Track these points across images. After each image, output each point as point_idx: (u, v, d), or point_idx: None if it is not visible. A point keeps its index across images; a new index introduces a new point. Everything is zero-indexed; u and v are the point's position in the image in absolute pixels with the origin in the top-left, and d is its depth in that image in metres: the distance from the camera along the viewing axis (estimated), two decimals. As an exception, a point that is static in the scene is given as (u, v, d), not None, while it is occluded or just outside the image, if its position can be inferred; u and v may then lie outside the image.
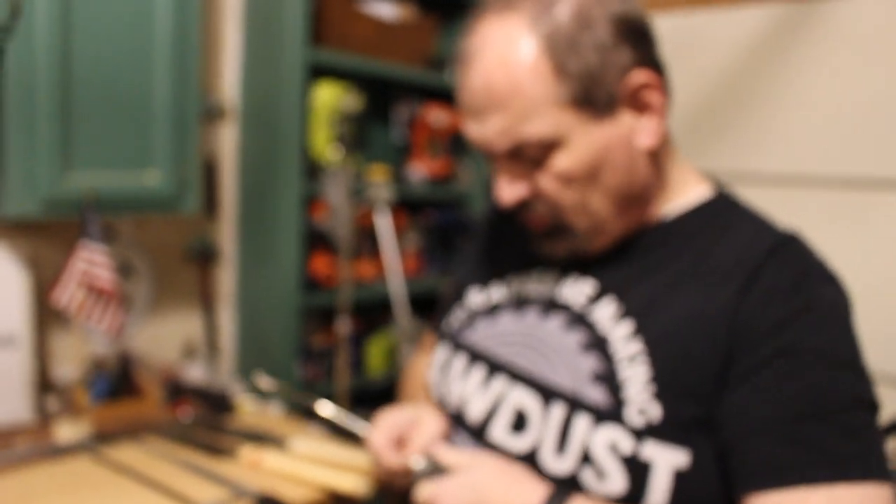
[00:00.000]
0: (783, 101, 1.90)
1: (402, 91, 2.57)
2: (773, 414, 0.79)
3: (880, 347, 1.18)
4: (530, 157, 0.87)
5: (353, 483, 1.44)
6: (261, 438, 1.65)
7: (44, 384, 1.86)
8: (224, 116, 2.22)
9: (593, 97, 0.84)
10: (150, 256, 2.09)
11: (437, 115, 2.55)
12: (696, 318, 0.84)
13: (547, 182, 0.88)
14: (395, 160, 2.58)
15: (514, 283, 1.02)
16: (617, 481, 0.82)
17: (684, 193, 0.96)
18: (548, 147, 0.86)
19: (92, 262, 1.61)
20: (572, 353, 0.89)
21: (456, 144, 2.70)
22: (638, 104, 0.88)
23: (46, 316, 1.86)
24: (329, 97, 2.18)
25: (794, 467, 0.76)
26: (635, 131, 0.89)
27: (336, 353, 2.22)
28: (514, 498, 0.86)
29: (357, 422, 1.12)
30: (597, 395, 0.85)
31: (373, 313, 2.47)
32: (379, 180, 2.23)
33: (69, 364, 1.90)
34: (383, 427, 1.05)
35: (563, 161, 0.86)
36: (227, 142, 2.24)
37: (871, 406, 0.80)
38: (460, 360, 1.01)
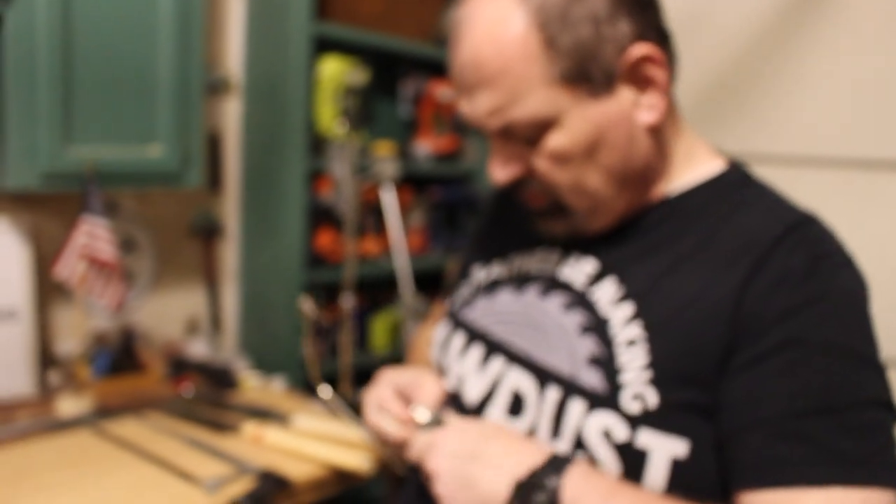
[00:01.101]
0: (795, 80, 1.87)
1: (409, 66, 2.54)
2: (774, 407, 0.74)
3: (893, 333, 1.15)
4: (523, 136, 0.84)
5: (356, 460, 1.43)
6: (263, 414, 1.64)
7: (45, 358, 1.85)
8: (228, 90, 2.20)
9: (588, 73, 0.80)
10: (153, 231, 2.08)
11: (443, 91, 2.52)
12: (699, 302, 0.79)
13: (541, 162, 0.85)
14: (401, 136, 2.55)
15: (516, 261, 0.99)
16: (610, 469, 0.79)
17: (692, 168, 0.91)
18: (541, 126, 0.82)
19: (93, 236, 1.60)
20: (571, 334, 0.86)
21: (462, 121, 2.66)
22: (638, 79, 0.83)
23: (48, 290, 1.85)
24: (335, 71, 2.15)
25: (792, 465, 0.72)
26: (636, 108, 0.84)
27: (340, 329, 2.20)
28: (513, 454, 0.82)
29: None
30: (592, 379, 0.81)
31: (377, 290, 2.45)
32: (384, 156, 2.20)
33: (71, 338, 1.89)
34: (386, 382, 1.03)
35: (556, 141, 0.82)
36: (232, 116, 2.22)
37: (886, 406, 0.75)
38: (459, 339, 0.98)
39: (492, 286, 0.99)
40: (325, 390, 1.18)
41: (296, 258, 2.09)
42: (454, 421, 0.90)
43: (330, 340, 2.26)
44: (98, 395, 1.69)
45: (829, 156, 1.80)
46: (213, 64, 2.14)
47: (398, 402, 1.00)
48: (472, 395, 0.93)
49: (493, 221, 1.11)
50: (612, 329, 0.83)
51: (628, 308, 0.83)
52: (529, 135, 0.83)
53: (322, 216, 2.19)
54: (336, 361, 2.22)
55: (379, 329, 2.43)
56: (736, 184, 0.89)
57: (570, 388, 0.82)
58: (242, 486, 1.34)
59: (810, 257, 0.78)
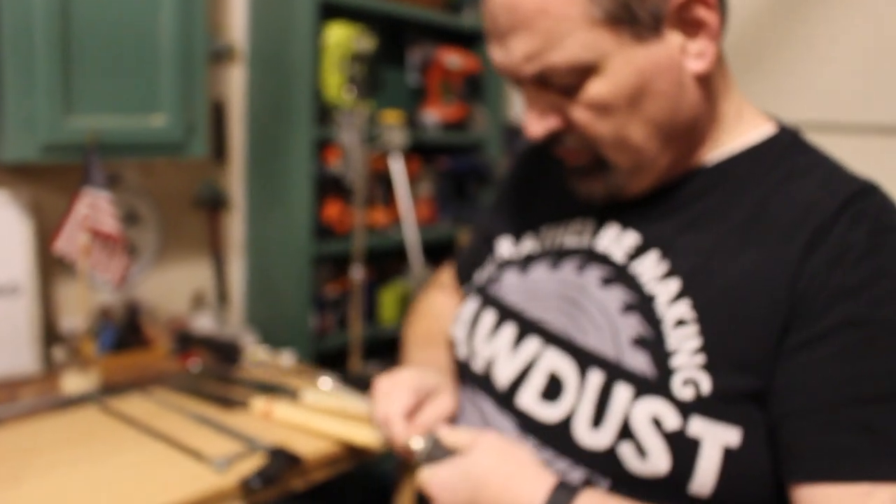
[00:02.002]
0: (808, 46, 1.81)
1: (417, 33, 2.48)
2: (833, 393, 0.68)
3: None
4: (562, 84, 0.76)
5: (366, 435, 1.40)
6: (272, 389, 1.60)
7: (50, 334, 1.82)
8: (233, 58, 2.15)
9: (634, 14, 0.72)
10: (157, 203, 2.04)
11: (452, 59, 2.46)
12: (752, 280, 0.73)
13: (580, 113, 0.77)
14: (409, 104, 2.50)
15: (548, 235, 0.92)
16: (660, 460, 0.73)
17: (741, 132, 0.83)
18: (581, 73, 0.74)
19: (95, 208, 1.56)
20: (612, 313, 0.79)
21: (471, 89, 2.61)
22: (687, 22, 0.75)
23: (51, 264, 1.81)
24: (341, 38, 2.10)
25: (855, 458, 0.67)
26: (684, 54, 0.76)
27: (349, 302, 2.17)
28: (513, 491, 0.77)
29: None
30: (639, 361, 0.75)
31: (386, 261, 2.41)
32: (392, 125, 2.16)
33: (75, 314, 1.86)
34: (400, 395, 0.91)
35: (598, 88, 0.75)
36: (236, 84, 2.17)
37: None
38: (489, 317, 0.91)
39: (525, 261, 0.92)
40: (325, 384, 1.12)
41: (303, 230, 2.05)
42: (454, 442, 0.84)
43: (339, 313, 2.23)
44: (103, 372, 1.66)
45: (844, 122, 1.75)
46: (217, 31, 2.08)
47: (404, 424, 0.89)
48: (502, 377, 0.86)
49: (518, 189, 1.03)
50: (658, 307, 0.77)
51: (674, 285, 0.77)
52: (568, 82, 0.76)
53: (329, 186, 2.15)
54: (345, 334, 2.19)
55: (388, 301, 2.39)
56: (788, 149, 0.82)
57: (615, 372, 0.76)
58: (253, 463, 1.31)
59: (872, 231, 0.71)
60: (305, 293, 2.09)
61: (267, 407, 1.49)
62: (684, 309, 0.75)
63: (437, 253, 2.45)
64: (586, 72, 0.74)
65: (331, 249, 2.13)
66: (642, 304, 0.78)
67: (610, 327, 0.79)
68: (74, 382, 1.61)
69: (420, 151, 2.43)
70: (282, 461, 1.31)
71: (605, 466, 0.76)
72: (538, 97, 0.80)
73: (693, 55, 0.76)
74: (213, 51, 2.03)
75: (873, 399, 0.67)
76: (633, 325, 0.77)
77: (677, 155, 0.81)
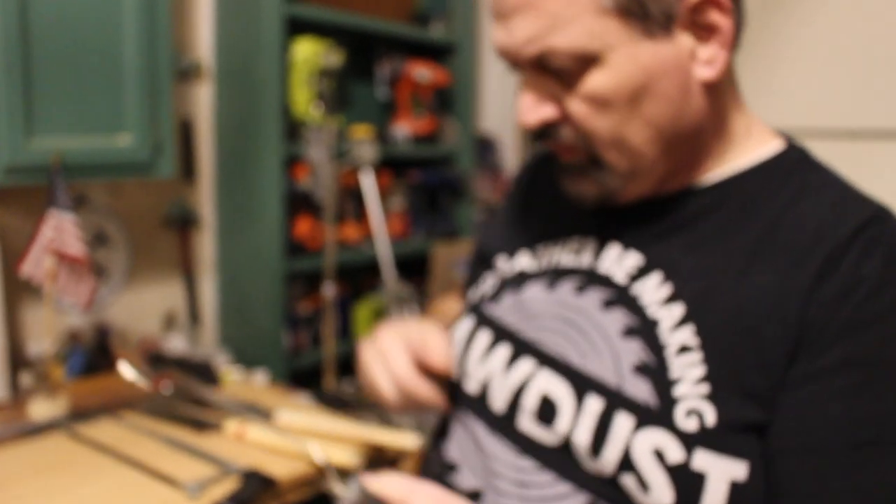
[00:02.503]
0: (785, 52, 1.82)
1: (385, 47, 2.47)
2: (830, 433, 0.66)
3: None
4: (561, 70, 0.72)
5: (343, 455, 1.38)
6: (245, 410, 1.58)
7: (16, 360, 1.79)
8: (199, 75, 2.13)
9: (645, 9, 0.69)
10: (126, 224, 2.01)
11: (421, 72, 2.45)
12: (759, 306, 0.70)
13: (578, 105, 0.73)
14: (379, 119, 2.49)
15: (546, 252, 0.88)
16: (663, 494, 0.70)
17: (749, 148, 0.80)
18: (583, 61, 0.71)
19: (61, 231, 1.53)
20: (612, 337, 0.76)
21: (441, 102, 2.61)
22: (700, 26, 0.72)
23: (16, 288, 1.77)
24: (309, 53, 2.09)
25: (842, 502, 0.65)
26: (694, 58, 0.73)
27: (322, 319, 2.15)
28: None
29: None
30: (640, 390, 0.72)
31: (359, 277, 2.40)
32: (362, 139, 2.14)
33: (42, 338, 1.83)
34: (393, 335, 0.88)
35: (598, 80, 0.71)
36: (203, 102, 2.15)
37: None
38: (483, 337, 0.87)
39: (518, 279, 0.88)
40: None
41: (275, 247, 2.03)
42: (384, 493, 0.75)
43: (312, 330, 2.21)
44: (72, 397, 1.63)
45: (817, 127, 1.76)
46: (183, 48, 2.06)
47: (404, 358, 0.86)
48: (498, 400, 0.83)
49: (515, 205, 0.99)
50: (661, 333, 0.73)
51: (678, 310, 0.74)
52: (568, 69, 0.72)
53: (300, 203, 2.13)
54: (319, 351, 2.17)
55: (362, 317, 2.37)
56: (797, 166, 0.78)
57: (616, 400, 0.73)
58: (226, 487, 1.29)
59: (885, 262, 0.68)
60: (278, 311, 2.06)
61: (240, 429, 1.47)
62: (688, 335, 0.72)
63: (410, 267, 2.44)
64: (588, 61, 0.71)
65: (303, 266, 2.11)
66: (644, 329, 0.75)
67: (611, 352, 0.76)
68: (42, 409, 1.58)
69: (391, 165, 2.41)
70: (255, 484, 1.29)
71: (609, 493, 0.73)
72: (536, 84, 0.76)
73: (703, 61, 0.73)
74: (179, 68, 2.01)
75: (872, 443, 0.65)
76: (634, 351, 0.74)
77: (677, 164, 0.78)
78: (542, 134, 0.78)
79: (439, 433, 0.92)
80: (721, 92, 0.77)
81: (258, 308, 2.10)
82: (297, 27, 2.09)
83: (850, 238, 0.69)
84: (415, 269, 2.45)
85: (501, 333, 0.85)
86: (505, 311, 0.87)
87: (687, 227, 0.78)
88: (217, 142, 2.16)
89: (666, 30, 0.71)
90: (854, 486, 0.65)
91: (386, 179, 2.36)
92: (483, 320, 0.89)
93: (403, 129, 2.44)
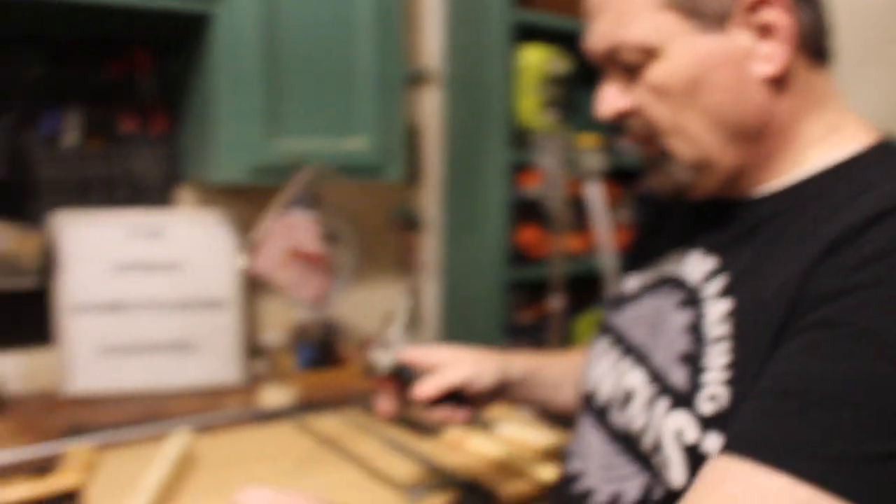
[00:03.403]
0: None
1: (615, 53, 2.40)
2: (785, 383, 0.64)
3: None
4: (629, 64, 0.80)
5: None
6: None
7: (252, 348, 1.88)
8: (428, 82, 2.16)
9: (701, 5, 0.75)
10: (354, 224, 2.07)
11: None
12: (781, 290, 0.70)
13: (643, 95, 0.81)
14: (606, 128, 2.42)
15: (660, 264, 0.94)
16: (677, 472, 0.75)
17: (832, 146, 0.79)
18: (645, 54, 0.78)
19: (298, 229, 1.59)
20: (677, 332, 0.82)
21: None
22: (756, 25, 0.76)
23: (254, 281, 1.87)
24: (536, 60, 2.06)
25: (786, 447, 0.61)
26: (750, 55, 0.76)
27: (544, 329, 2.11)
28: None
29: None
30: (679, 377, 0.78)
31: (580, 288, 2.34)
32: (589, 148, 2.09)
33: (275, 330, 1.91)
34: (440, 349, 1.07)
35: (658, 71, 0.78)
36: (431, 108, 2.18)
37: None
38: (603, 343, 0.97)
39: (639, 291, 0.96)
40: None
41: (498, 254, 2.02)
42: None
43: (532, 340, 2.17)
44: (300, 388, 1.69)
45: None
46: (413, 56, 2.10)
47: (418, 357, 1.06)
48: (602, 396, 0.93)
49: (647, 226, 1.07)
50: (706, 326, 0.78)
51: (726, 304, 0.77)
52: (634, 61, 0.79)
53: (524, 210, 2.10)
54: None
55: (582, 329, 2.31)
56: (871, 162, 0.76)
57: (661, 387, 0.80)
58: (445, 497, 1.27)
59: (889, 241, 0.64)
60: (499, 319, 2.05)
61: (459, 436, 1.46)
62: (727, 328, 0.75)
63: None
64: (650, 53, 0.78)
65: (525, 275, 2.09)
66: (697, 322, 0.79)
67: (670, 345, 0.82)
68: (273, 396, 1.65)
69: (618, 176, 2.34)
70: (476, 499, 1.26)
71: (656, 476, 0.79)
72: (612, 78, 0.84)
73: (761, 57, 0.76)
74: (408, 75, 2.05)
75: (819, 399, 0.61)
76: (685, 343, 0.79)
77: (746, 160, 0.80)
78: (618, 127, 0.85)
79: None
80: (791, 90, 0.78)
81: (479, 314, 2.09)
82: (525, 34, 2.07)
83: (871, 221, 0.66)
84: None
85: (615, 339, 0.95)
86: (623, 319, 0.95)
87: (757, 230, 0.80)
88: (443, 147, 2.18)
89: (720, 25, 0.76)
90: (793, 433, 0.61)
91: (613, 190, 2.28)
92: (606, 329, 0.99)
93: (631, 138, 2.35)
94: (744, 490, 0.61)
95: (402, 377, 1.06)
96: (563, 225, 1.92)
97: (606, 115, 0.85)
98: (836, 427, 0.60)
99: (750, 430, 0.64)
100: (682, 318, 0.82)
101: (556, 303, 1.84)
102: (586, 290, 2.34)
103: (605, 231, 2.06)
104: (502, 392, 1.11)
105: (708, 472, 0.66)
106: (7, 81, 1.70)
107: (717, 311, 0.77)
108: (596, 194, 2.07)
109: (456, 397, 1.06)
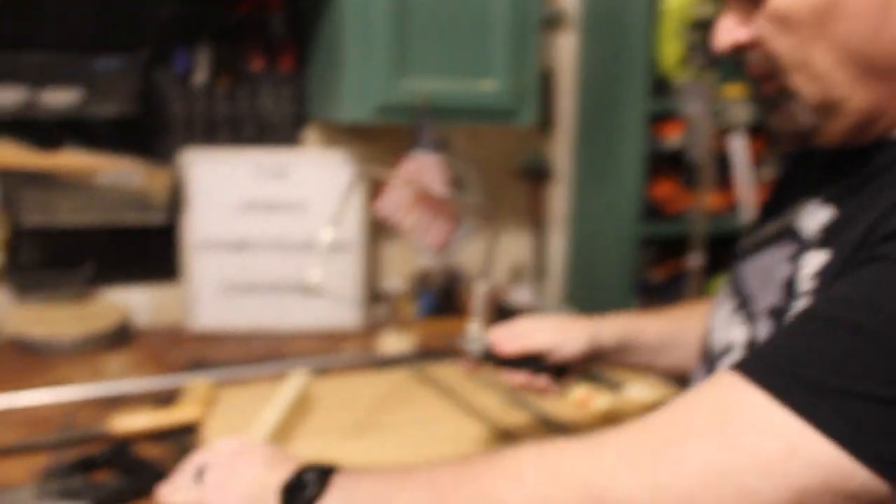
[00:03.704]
0: None
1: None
2: (811, 307, 0.63)
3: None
4: None
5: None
6: (592, 377, 1.49)
7: (373, 293, 1.86)
8: (564, 25, 2.06)
9: None
10: (481, 170, 2.01)
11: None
12: (855, 242, 0.66)
13: (764, 26, 0.71)
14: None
15: (786, 215, 0.86)
16: None
17: None
18: None
19: (423, 171, 1.54)
20: (775, 286, 0.77)
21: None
22: None
23: (377, 225, 1.84)
24: (681, 3, 1.92)
25: (766, 366, 0.60)
26: None
27: (678, 288, 2.00)
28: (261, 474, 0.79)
29: None
30: (764, 331, 0.75)
31: (716, 248, 2.21)
32: (735, 99, 1.95)
33: (397, 275, 1.89)
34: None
35: None
36: (566, 52, 2.09)
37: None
38: (725, 291, 0.91)
39: (763, 242, 0.88)
40: None
41: (631, 208, 1.92)
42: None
43: (663, 300, 2.07)
44: (420, 335, 1.66)
45: None
46: (550, -4, 2.00)
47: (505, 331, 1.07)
48: (715, 345, 0.88)
49: (784, 177, 0.97)
50: (799, 280, 0.73)
51: (821, 258, 0.71)
52: None
53: (660, 163, 1.99)
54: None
55: (717, 290, 2.19)
56: None
57: (752, 340, 0.78)
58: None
59: None
60: (629, 276, 1.95)
61: (585, 396, 1.38)
62: (814, 283, 0.70)
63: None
64: None
65: (659, 231, 1.98)
66: (793, 276, 0.74)
67: (767, 298, 0.78)
68: (392, 342, 1.63)
69: (764, 131, 2.18)
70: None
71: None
72: (732, 8, 0.75)
73: None
74: (544, 17, 1.95)
75: (825, 318, 0.60)
76: (777, 297, 0.75)
77: (879, 103, 0.70)
78: (738, 59, 0.78)
79: None
80: None
81: (608, 270, 2.01)
82: (671, -27, 1.94)
83: None
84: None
85: (734, 289, 0.88)
86: (746, 270, 0.88)
87: (873, 180, 0.71)
88: (578, 93, 2.09)
89: None
90: (766, 347, 0.63)
91: (757, 145, 2.13)
92: (729, 281, 0.92)
93: (782, 89, 2.19)
94: (730, 402, 0.60)
95: (495, 362, 1.07)
96: (707, 179, 1.80)
97: (723, 48, 0.77)
98: (843, 357, 0.57)
99: (759, 349, 0.64)
100: (786, 270, 0.76)
101: (693, 261, 1.74)
102: (723, 250, 2.21)
103: (748, 188, 1.93)
104: (596, 359, 1.09)
105: (710, 378, 0.66)
106: (141, 20, 1.71)
107: (812, 265, 0.72)
108: (740, 148, 1.94)
109: (536, 364, 1.05)
